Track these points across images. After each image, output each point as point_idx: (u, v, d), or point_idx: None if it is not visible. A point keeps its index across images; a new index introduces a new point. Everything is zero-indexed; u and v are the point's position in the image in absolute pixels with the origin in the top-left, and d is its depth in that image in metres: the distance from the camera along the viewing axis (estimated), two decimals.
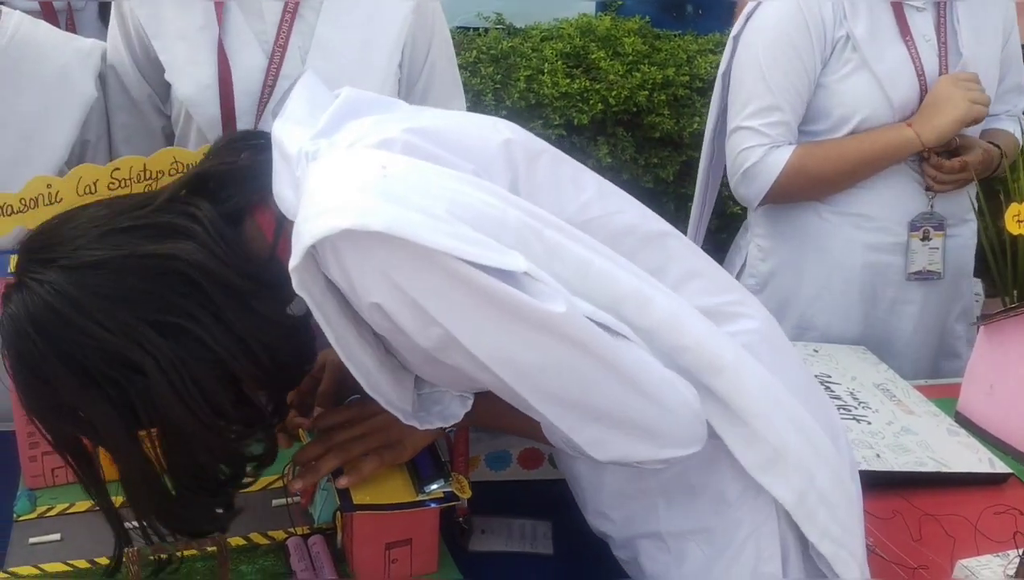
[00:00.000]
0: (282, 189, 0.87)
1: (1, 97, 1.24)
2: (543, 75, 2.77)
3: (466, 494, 1.02)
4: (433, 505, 1.01)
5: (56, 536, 1.06)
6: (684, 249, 0.98)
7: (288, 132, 0.88)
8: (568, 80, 2.76)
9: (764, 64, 1.63)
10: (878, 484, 1.19)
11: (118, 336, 0.82)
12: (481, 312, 0.79)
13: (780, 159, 1.64)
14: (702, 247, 1.13)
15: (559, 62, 2.81)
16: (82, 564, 1.02)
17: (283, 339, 0.89)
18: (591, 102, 2.73)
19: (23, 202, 1.08)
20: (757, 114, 1.65)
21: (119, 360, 0.82)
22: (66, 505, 1.11)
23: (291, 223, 0.85)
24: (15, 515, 1.09)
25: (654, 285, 0.90)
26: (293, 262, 0.79)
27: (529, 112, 2.69)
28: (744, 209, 1.85)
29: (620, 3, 3.31)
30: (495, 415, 1.01)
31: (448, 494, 1.01)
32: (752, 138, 1.66)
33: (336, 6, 1.36)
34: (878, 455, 1.29)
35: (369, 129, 0.87)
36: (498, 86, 2.72)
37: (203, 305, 0.84)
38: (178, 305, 0.83)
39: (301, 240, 0.78)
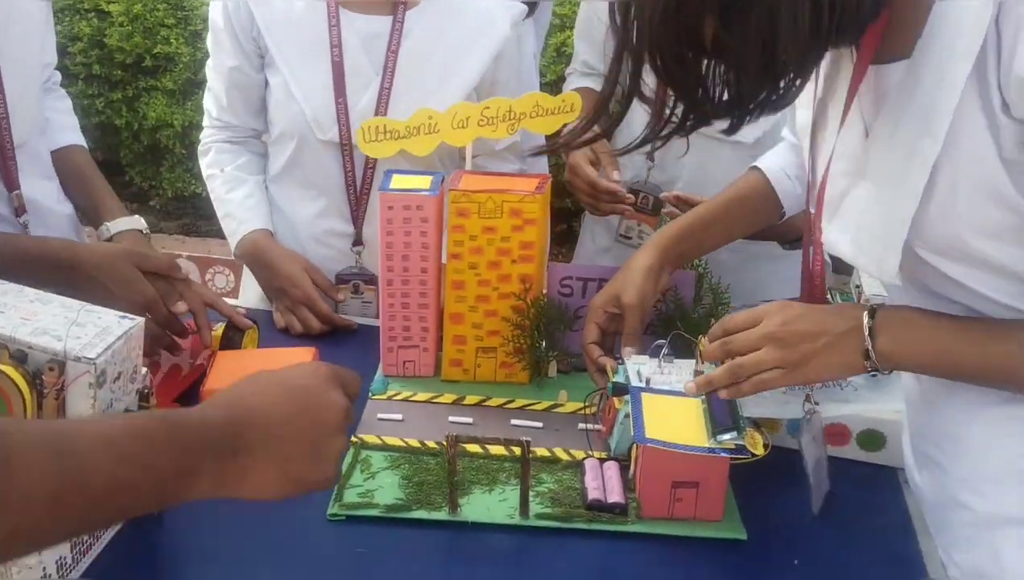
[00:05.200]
0: None
1: (436, 29, 1.46)
2: None
3: (758, 451, 1.03)
4: (723, 454, 1.03)
5: (399, 416, 1.24)
6: None
7: None
8: None
9: None
10: None
11: None
12: None
13: None
14: None
15: None
16: (414, 443, 1.19)
17: None
18: None
19: (408, 129, 1.27)
20: None
21: None
22: (410, 393, 1.30)
23: None
24: (370, 393, 1.30)
25: None
26: None
27: None
28: None
29: None
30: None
31: (739, 447, 1.03)
32: None
33: None
34: None
35: None
36: None
37: None
38: None
39: None
